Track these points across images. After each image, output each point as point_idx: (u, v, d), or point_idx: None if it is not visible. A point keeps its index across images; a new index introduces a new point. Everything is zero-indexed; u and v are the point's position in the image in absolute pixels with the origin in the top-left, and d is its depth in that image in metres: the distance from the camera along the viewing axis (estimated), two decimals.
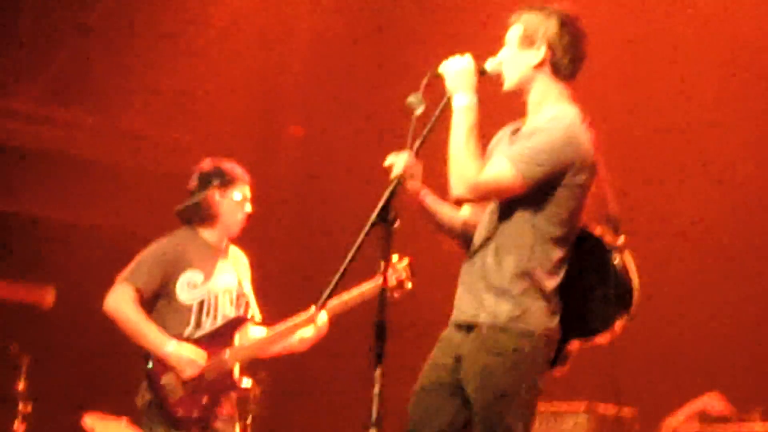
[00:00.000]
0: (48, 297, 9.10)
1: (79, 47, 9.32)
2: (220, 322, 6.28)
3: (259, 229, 6.72)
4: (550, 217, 4.51)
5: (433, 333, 4.71)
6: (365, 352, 4.38)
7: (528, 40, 4.63)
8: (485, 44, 4.76)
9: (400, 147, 4.57)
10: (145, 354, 6.19)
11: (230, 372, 6.23)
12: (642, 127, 8.31)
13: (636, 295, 4.54)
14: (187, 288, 6.26)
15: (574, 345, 4.58)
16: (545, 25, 4.63)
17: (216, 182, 6.36)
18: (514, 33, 4.67)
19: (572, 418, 7.16)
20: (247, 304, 6.39)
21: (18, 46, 9.12)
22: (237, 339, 6.29)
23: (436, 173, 4.68)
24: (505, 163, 4.49)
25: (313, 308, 6.18)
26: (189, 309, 6.25)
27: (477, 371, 4.50)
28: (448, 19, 8.77)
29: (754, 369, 7.76)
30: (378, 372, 4.26)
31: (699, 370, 7.78)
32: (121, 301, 6.20)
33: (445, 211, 4.74)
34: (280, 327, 6.31)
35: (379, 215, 4.38)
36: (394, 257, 6.04)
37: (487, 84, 4.64)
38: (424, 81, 4.58)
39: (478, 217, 4.67)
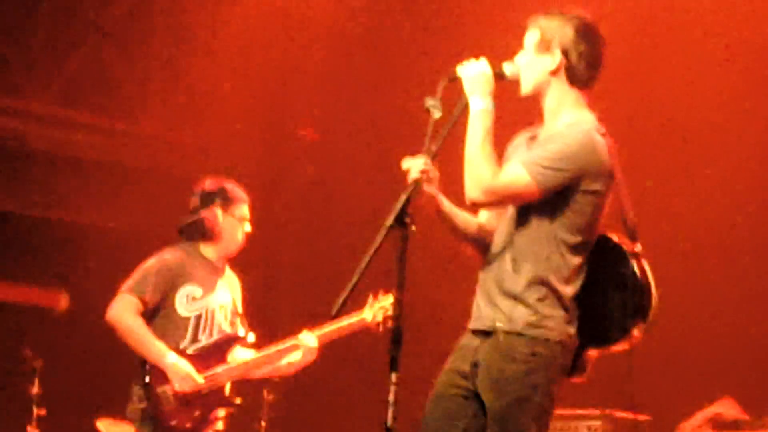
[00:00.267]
0: (62, 301, 9.11)
1: (95, 49, 9.32)
2: (216, 336, 6.35)
3: (271, 232, 6.73)
4: (568, 225, 4.50)
5: (450, 339, 4.70)
6: (379, 357, 4.37)
7: (544, 46, 4.62)
8: (502, 48, 4.74)
9: (413, 151, 4.54)
10: (142, 363, 6.24)
11: (222, 388, 6.30)
12: (646, 129, 8.27)
13: (654, 302, 4.51)
14: (186, 301, 6.32)
15: (592, 353, 4.56)
16: (562, 32, 4.61)
17: (218, 201, 6.41)
18: (530, 38, 4.66)
19: (587, 425, 7.14)
20: (240, 324, 6.45)
21: (33, 47, 9.12)
22: (229, 357, 6.35)
23: (451, 178, 4.66)
24: (521, 168, 4.48)
25: (304, 332, 6.30)
26: (186, 322, 6.31)
27: (493, 377, 4.49)
28: (463, 23, 8.76)
29: None
30: (393, 377, 4.26)
31: (713, 376, 7.75)
32: (125, 311, 6.24)
33: (460, 216, 4.72)
34: (269, 350, 6.37)
35: (395, 219, 4.36)
36: (379, 294, 6.14)
37: (503, 88, 4.63)
38: (441, 85, 4.56)
39: (494, 222, 4.66)
